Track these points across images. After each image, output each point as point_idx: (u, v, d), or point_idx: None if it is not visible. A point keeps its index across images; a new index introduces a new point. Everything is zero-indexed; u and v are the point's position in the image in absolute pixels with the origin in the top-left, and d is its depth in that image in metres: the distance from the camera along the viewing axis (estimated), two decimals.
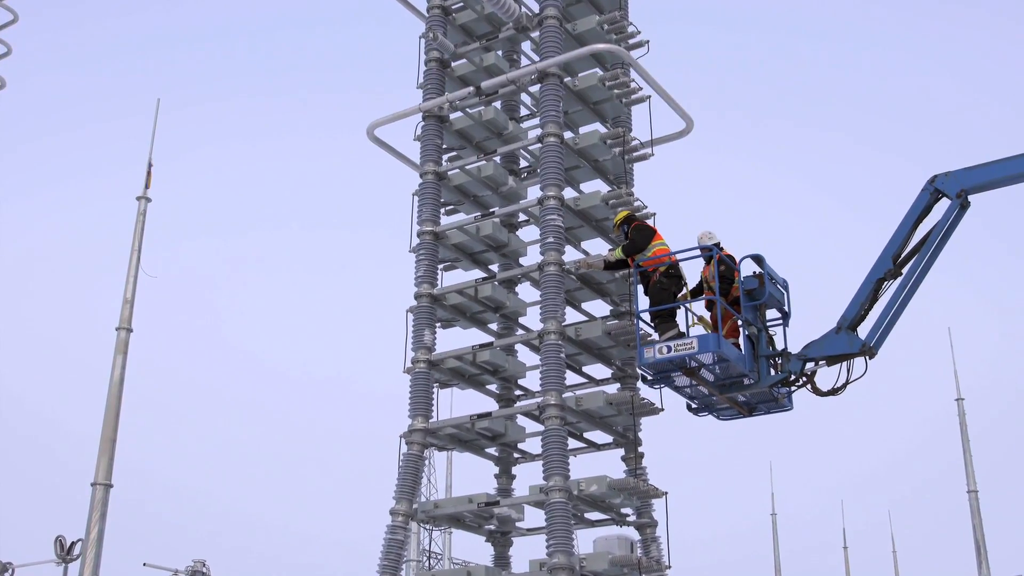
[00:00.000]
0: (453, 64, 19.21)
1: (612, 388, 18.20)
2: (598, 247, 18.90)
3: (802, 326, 16.65)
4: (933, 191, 15.66)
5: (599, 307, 18.81)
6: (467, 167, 18.48)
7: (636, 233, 16.72)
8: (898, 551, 56.02)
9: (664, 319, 16.18)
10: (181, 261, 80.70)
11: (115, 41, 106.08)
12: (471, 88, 18.40)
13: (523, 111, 20.22)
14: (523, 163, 20.00)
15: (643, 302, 16.44)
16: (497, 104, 19.14)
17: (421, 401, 17.30)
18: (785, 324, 16.65)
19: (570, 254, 17.76)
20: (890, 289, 15.70)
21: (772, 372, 16.16)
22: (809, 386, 16.16)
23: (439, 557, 49.22)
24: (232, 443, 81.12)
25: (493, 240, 18.25)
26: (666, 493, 16.98)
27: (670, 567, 17.08)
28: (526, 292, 19.05)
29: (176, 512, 67.28)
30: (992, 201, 16.05)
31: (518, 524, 17.75)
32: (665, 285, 16.25)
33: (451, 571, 18.94)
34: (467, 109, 18.67)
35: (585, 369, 18.54)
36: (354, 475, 72.01)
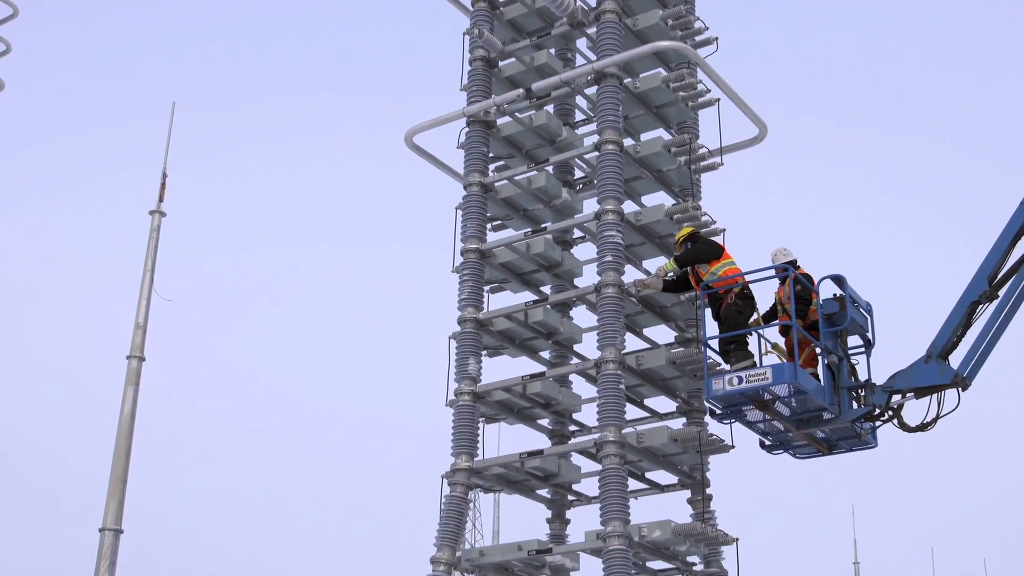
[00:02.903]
0: (501, 64, 19.41)
1: (677, 423, 18.28)
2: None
3: (888, 354, 16.69)
4: None
5: (663, 333, 18.87)
6: (516, 178, 18.59)
7: (699, 245, 16.82)
8: None
9: (740, 346, 16.12)
10: (198, 281, 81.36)
11: (124, 37, 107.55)
12: (520, 90, 18.48)
13: (578, 116, 20.31)
14: (578, 173, 20.13)
15: (711, 327, 16.49)
16: (549, 108, 19.26)
17: (465, 437, 17.43)
18: (869, 352, 16.65)
19: (630, 274, 17.83)
20: (985, 313, 15.71)
21: (854, 405, 16.16)
22: (895, 421, 16.10)
23: None
24: (254, 484, 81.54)
25: (545, 259, 18.42)
26: (737, 539, 17.02)
27: None
28: (581, 317, 19.18)
29: (192, 560, 67.80)
30: None
31: (573, 574, 17.81)
32: (742, 307, 16.25)
33: None
34: (516, 113, 18.75)
35: (647, 402, 18.67)
36: (390, 519, 72.30)
